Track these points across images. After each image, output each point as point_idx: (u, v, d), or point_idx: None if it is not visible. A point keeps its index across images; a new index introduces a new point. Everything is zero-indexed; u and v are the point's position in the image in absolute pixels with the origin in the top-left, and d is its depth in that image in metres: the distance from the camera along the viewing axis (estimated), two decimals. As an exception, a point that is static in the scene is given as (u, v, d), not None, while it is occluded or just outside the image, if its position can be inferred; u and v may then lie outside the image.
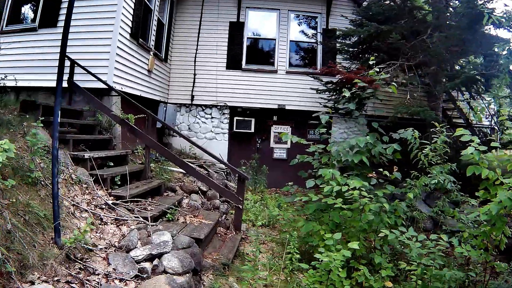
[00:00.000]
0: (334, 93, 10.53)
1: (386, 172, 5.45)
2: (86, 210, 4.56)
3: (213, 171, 9.17)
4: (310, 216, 6.16)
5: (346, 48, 10.76)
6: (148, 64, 9.21)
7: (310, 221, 5.79)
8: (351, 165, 6.27)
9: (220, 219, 6.43)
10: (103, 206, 4.90)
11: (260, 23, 12.10)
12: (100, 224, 4.54)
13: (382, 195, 5.23)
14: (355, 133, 12.20)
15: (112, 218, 4.72)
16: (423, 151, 5.77)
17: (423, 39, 9.28)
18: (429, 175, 5.83)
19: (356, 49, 10.85)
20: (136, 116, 6.79)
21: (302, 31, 12.43)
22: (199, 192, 7.50)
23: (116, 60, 7.54)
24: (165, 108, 10.75)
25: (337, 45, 11.13)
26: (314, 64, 11.97)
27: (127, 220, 4.76)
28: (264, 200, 9.03)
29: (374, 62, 7.77)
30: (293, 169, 11.96)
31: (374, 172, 5.76)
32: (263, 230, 7.09)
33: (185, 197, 6.88)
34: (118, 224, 4.71)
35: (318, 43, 11.88)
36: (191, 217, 5.73)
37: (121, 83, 7.85)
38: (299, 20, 12.37)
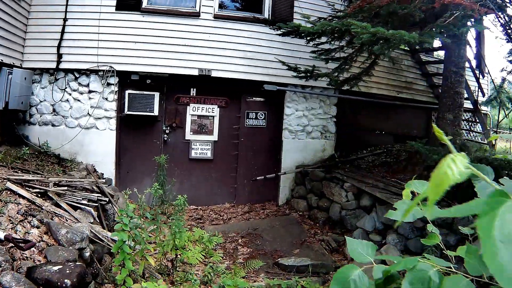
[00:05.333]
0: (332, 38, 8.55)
1: None
2: None
3: (74, 201, 6.08)
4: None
5: None
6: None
7: None
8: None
9: None
10: None
11: None
12: None
13: None
14: (319, 117, 10.86)
15: None
16: None
17: None
18: None
19: None
20: None
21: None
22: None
23: None
24: (10, 76, 8.08)
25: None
26: (259, 5, 10.22)
27: None
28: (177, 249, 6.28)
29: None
30: (222, 173, 10.31)
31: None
32: None
33: None
34: None
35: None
36: None
37: None
38: None
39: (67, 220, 5.38)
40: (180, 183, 9.77)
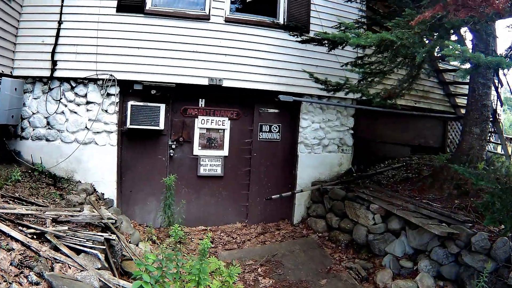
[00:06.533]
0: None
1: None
2: None
3: (77, 243, 5.03)
4: None
5: None
6: None
7: None
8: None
9: None
10: None
11: None
12: None
13: None
14: (336, 129, 10.12)
15: None
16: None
17: None
18: None
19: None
20: None
21: None
22: None
23: None
24: (-1, 86, 7.25)
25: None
26: (273, 9, 9.43)
27: None
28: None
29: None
30: (232, 190, 9.39)
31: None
32: None
33: None
34: None
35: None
36: None
37: None
38: None
39: (70, 268, 4.40)
40: (187, 202, 8.95)
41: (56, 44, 8.04)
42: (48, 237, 4.75)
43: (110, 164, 8.48)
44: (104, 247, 5.32)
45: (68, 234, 4.98)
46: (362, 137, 10.79)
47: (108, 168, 8.44)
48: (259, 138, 9.52)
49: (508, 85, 12.50)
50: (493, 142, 12.63)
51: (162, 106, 8.58)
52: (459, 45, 5.63)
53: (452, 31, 7.61)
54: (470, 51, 8.49)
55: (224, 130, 9.32)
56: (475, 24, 7.01)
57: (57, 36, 8.05)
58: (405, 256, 7.37)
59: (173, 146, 9.01)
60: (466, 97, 9.91)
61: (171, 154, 9.00)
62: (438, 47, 7.22)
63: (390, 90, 8.80)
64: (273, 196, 9.06)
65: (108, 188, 8.39)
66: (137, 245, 7.15)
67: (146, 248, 6.00)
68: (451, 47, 5.60)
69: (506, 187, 5.91)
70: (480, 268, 5.93)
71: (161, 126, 8.59)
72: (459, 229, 6.48)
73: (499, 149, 12.71)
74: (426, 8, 6.73)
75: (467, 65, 6.28)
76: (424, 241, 7.04)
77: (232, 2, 9.24)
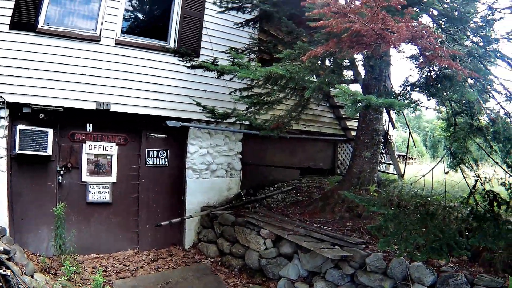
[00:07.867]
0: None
1: None
2: None
3: None
4: None
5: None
6: None
7: None
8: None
9: None
10: None
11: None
12: None
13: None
14: (224, 154, 12.32)
15: None
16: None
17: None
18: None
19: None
20: None
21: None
22: None
23: None
24: None
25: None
26: (164, 32, 11.52)
27: None
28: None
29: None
30: (122, 217, 11.55)
31: None
32: None
33: None
34: None
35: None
36: None
37: None
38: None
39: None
40: (79, 230, 10.50)
41: None
42: None
43: (1, 192, 9.62)
44: (0, 284, 6.54)
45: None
46: (251, 161, 12.99)
47: None
48: (147, 164, 11.53)
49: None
50: (385, 163, 15.12)
51: (50, 131, 10.05)
52: (349, 88, 6.69)
53: (344, 64, 9.34)
54: (363, 76, 10.54)
55: (112, 156, 11.25)
56: (368, 59, 8.89)
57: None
58: (300, 279, 8.98)
59: (62, 173, 10.67)
60: (357, 120, 11.90)
61: (60, 181, 10.64)
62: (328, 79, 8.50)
63: (278, 120, 10.35)
64: (162, 223, 10.84)
65: (0, 216, 9.50)
66: (32, 277, 8.17)
67: (41, 281, 7.48)
68: (341, 90, 6.38)
69: (399, 211, 7.13)
70: (378, 287, 7.43)
71: (49, 151, 10.04)
72: (352, 251, 7.98)
73: (391, 169, 15.13)
74: (319, 39, 8.17)
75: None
76: (318, 263, 8.58)
77: (125, 22, 10.95)
